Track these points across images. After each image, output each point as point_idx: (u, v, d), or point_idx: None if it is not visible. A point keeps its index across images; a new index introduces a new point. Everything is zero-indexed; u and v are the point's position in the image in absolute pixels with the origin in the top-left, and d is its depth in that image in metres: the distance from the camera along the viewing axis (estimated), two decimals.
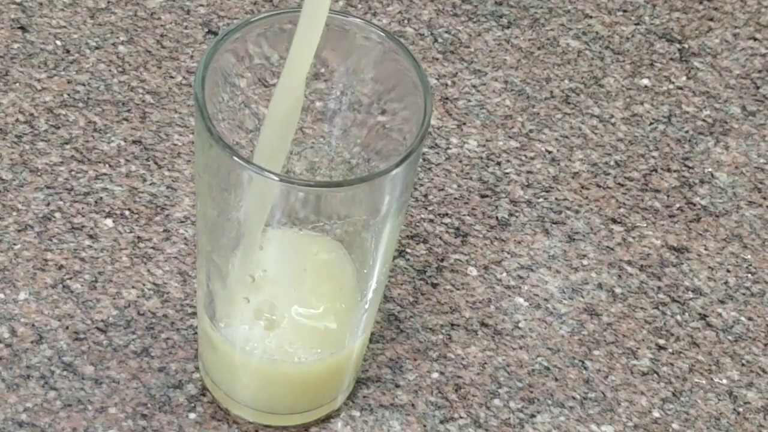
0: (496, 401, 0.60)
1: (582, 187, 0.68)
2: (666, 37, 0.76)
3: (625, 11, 0.77)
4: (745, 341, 0.63)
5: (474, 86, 0.72)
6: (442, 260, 0.64)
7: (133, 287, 0.61)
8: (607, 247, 0.66)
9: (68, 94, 0.68)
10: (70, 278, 0.61)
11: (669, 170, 0.69)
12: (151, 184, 0.65)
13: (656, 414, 0.60)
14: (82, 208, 0.63)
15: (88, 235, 0.63)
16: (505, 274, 0.64)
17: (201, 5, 0.73)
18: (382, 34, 0.50)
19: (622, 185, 0.68)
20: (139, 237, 0.63)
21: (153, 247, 0.62)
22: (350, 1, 0.74)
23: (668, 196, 0.68)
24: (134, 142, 0.66)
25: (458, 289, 0.63)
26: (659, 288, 0.65)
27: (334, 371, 0.55)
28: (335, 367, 0.55)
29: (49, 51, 0.70)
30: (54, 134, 0.66)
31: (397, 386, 0.60)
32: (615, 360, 0.62)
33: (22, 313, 0.60)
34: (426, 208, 0.66)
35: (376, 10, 0.74)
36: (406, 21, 0.74)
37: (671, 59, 0.75)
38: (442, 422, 0.59)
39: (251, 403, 0.57)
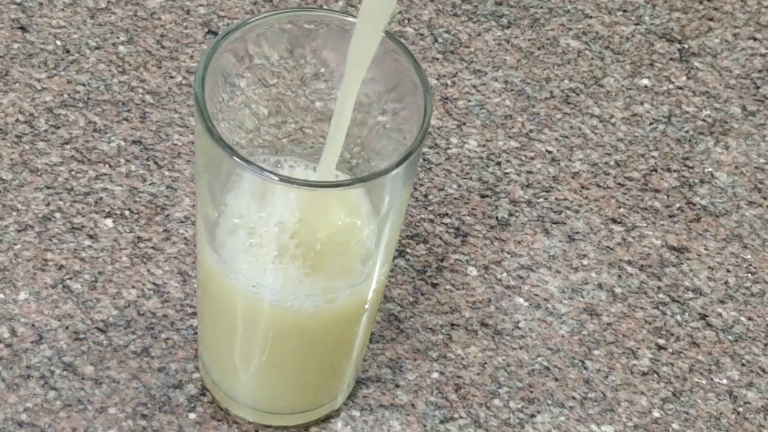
0: (496, 401, 0.60)
1: (582, 187, 0.68)
2: (666, 37, 0.76)
3: (625, 11, 0.77)
4: (745, 341, 0.63)
5: (474, 86, 0.72)
6: (442, 260, 0.64)
7: (133, 287, 0.61)
8: (607, 247, 0.66)
9: (68, 94, 0.68)
10: (70, 278, 0.61)
11: (669, 170, 0.69)
12: (151, 184, 0.65)
13: (656, 414, 0.60)
14: (82, 208, 0.63)
15: (88, 235, 0.63)
16: (505, 274, 0.64)
17: (201, 5, 0.73)
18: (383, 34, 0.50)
19: (622, 185, 0.68)
20: (139, 237, 0.63)
21: (153, 247, 0.62)
22: (350, 1, 0.74)
23: (668, 196, 0.68)
24: (134, 142, 0.66)
25: (458, 289, 0.63)
26: (659, 288, 0.65)
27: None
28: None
29: (49, 51, 0.70)
30: (54, 134, 0.66)
31: (397, 386, 0.60)
32: (615, 360, 0.62)
33: (22, 313, 0.60)
34: (426, 208, 0.66)
35: None
36: (406, 21, 0.74)
37: (671, 59, 0.75)
38: (442, 422, 0.59)
39: (251, 403, 0.57)
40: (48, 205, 0.63)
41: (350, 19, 0.50)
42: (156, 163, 0.66)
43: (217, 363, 0.57)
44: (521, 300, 0.63)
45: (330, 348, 0.55)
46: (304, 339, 0.54)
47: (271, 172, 0.46)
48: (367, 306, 0.53)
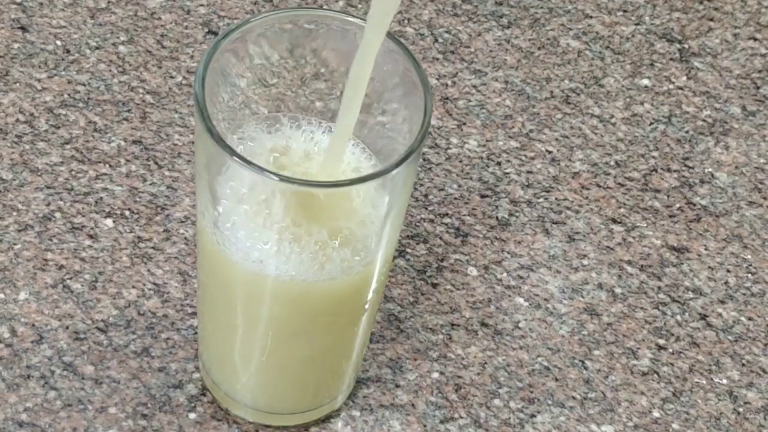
0: (496, 401, 0.60)
1: (582, 187, 0.68)
2: (666, 37, 0.76)
3: (625, 11, 0.77)
4: (745, 341, 0.63)
5: (474, 86, 0.72)
6: (442, 260, 0.64)
7: (133, 287, 0.61)
8: (607, 247, 0.66)
9: (68, 94, 0.68)
10: (71, 278, 0.61)
11: (669, 170, 0.69)
12: (151, 184, 0.65)
13: (656, 414, 0.60)
14: (83, 208, 0.63)
15: (88, 235, 0.63)
16: (505, 274, 0.64)
17: (201, 5, 0.73)
18: None
19: (622, 185, 0.68)
20: (139, 237, 0.63)
21: (153, 247, 0.62)
22: (350, 1, 0.74)
23: (668, 196, 0.68)
24: (134, 142, 0.66)
25: (458, 289, 0.63)
26: (659, 288, 0.65)
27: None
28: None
29: (50, 51, 0.70)
30: (54, 134, 0.66)
31: (397, 386, 0.60)
32: (615, 360, 0.62)
33: (22, 313, 0.60)
34: (426, 208, 0.66)
35: None
36: (406, 21, 0.74)
37: (671, 59, 0.75)
38: (442, 422, 0.59)
39: (251, 403, 0.57)
40: (48, 205, 0.63)
41: (350, 19, 0.50)
42: (156, 163, 0.66)
43: (217, 363, 0.57)
44: (521, 300, 0.63)
45: (330, 348, 0.55)
46: (304, 338, 0.54)
47: (271, 172, 0.46)
48: (367, 306, 0.53)
